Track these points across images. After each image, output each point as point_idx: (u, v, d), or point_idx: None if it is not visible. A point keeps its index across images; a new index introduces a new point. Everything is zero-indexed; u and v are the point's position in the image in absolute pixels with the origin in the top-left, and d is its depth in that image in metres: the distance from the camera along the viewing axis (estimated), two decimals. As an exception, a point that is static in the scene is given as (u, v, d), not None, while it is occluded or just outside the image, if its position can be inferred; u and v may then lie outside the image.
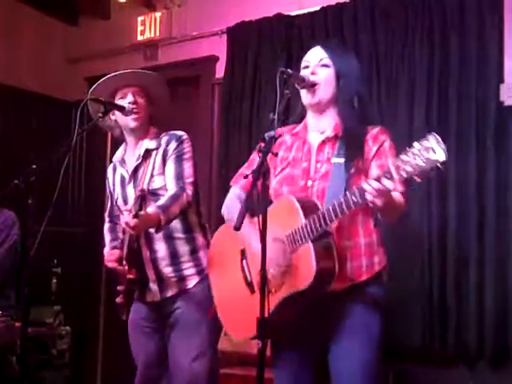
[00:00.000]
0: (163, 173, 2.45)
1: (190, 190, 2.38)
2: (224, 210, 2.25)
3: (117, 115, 2.51)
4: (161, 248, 2.44)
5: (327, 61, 2.09)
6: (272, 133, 1.84)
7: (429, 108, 3.23)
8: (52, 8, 4.65)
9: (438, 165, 1.60)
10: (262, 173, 1.77)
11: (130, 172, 2.52)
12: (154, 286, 2.46)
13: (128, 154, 2.58)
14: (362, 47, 3.45)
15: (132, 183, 2.51)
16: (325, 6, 3.61)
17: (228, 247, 2.21)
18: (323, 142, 2.09)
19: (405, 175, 1.65)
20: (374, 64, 3.41)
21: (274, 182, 2.11)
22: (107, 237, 2.63)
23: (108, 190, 2.68)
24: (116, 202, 2.59)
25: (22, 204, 2.16)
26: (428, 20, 3.28)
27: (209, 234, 2.52)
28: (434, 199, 3.15)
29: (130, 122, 2.48)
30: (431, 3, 3.28)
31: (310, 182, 2.06)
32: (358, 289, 2.01)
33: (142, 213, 2.17)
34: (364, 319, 2.03)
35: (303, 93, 2.09)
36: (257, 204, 1.81)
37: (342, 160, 2.02)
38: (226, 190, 2.35)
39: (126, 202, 2.51)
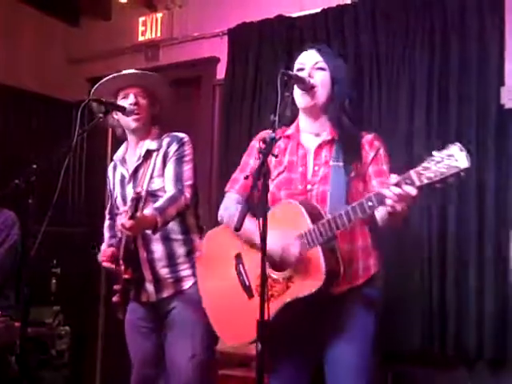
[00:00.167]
0: (163, 174, 2.45)
1: (188, 193, 2.40)
2: (223, 214, 2.22)
3: (119, 115, 2.52)
4: (158, 249, 2.45)
5: (323, 64, 2.10)
6: (272, 134, 1.85)
7: (429, 109, 3.23)
8: (52, 8, 4.65)
9: (460, 171, 1.63)
10: (263, 174, 1.77)
11: (130, 172, 2.53)
12: (150, 287, 2.46)
13: (129, 153, 2.59)
14: (363, 48, 3.45)
15: (132, 183, 2.51)
16: (326, 7, 3.61)
17: (219, 252, 2.20)
18: (320, 146, 2.10)
19: (426, 181, 1.68)
20: (374, 65, 3.42)
21: (271, 186, 2.10)
22: (106, 233, 2.65)
23: (108, 188, 2.69)
24: (115, 201, 2.61)
25: (22, 204, 2.16)
26: (429, 21, 3.28)
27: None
28: (433, 201, 3.15)
29: (130, 122, 2.50)
30: (432, 4, 3.28)
31: (309, 186, 2.06)
32: (355, 291, 2.03)
33: (137, 215, 2.18)
34: (360, 320, 2.05)
35: (299, 95, 2.09)
36: (257, 205, 1.82)
37: (340, 163, 2.03)
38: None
39: (125, 201, 2.52)
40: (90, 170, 4.65)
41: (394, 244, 3.16)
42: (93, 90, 2.53)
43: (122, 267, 2.38)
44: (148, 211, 2.28)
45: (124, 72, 2.55)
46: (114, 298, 2.40)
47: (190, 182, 2.43)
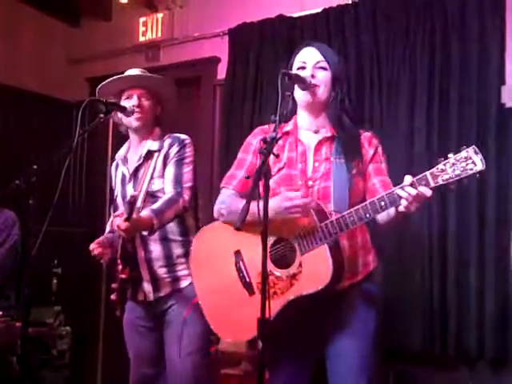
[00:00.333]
0: (163, 175, 2.46)
1: (187, 195, 2.40)
2: (223, 210, 2.15)
3: (121, 114, 2.53)
4: (156, 249, 2.46)
5: (324, 64, 2.10)
6: (273, 134, 1.85)
7: (430, 109, 3.23)
8: (53, 8, 4.65)
9: (476, 174, 1.70)
10: (264, 173, 1.77)
11: (130, 171, 2.53)
12: (147, 286, 2.47)
13: (131, 152, 2.60)
14: (364, 49, 3.46)
15: (132, 183, 2.52)
16: (327, 7, 3.61)
17: (216, 248, 2.17)
18: (320, 143, 2.11)
19: (441, 182, 1.74)
20: (375, 65, 3.42)
21: (271, 182, 2.09)
22: (107, 228, 2.65)
23: (111, 186, 2.71)
24: (115, 200, 2.62)
25: (22, 204, 2.16)
26: (429, 22, 3.28)
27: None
28: (434, 200, 3.15)
29: (132, 122, 2.51)
30: (432, 5, 3.28)
31: (310, 182, 2.06)
32: (355, 286, 2.05)
33: (133, 217, 2.19)
34: (361, 315, 2.06)
35: (300, 92, 2.10)
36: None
37: (342, 160, 2.05)
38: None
39: (124, 200, 2.52)
40: (90, 170, 4.64)
41: (394, 244, 3.17)
42: (97, 90, 2.54)
43: (120, 267, 2.39)
44: (145, 213, 2.29)
45: (128, 73, 2.58)
46: (112, 296, 2.42)
47: (189, 184, 2.44)
